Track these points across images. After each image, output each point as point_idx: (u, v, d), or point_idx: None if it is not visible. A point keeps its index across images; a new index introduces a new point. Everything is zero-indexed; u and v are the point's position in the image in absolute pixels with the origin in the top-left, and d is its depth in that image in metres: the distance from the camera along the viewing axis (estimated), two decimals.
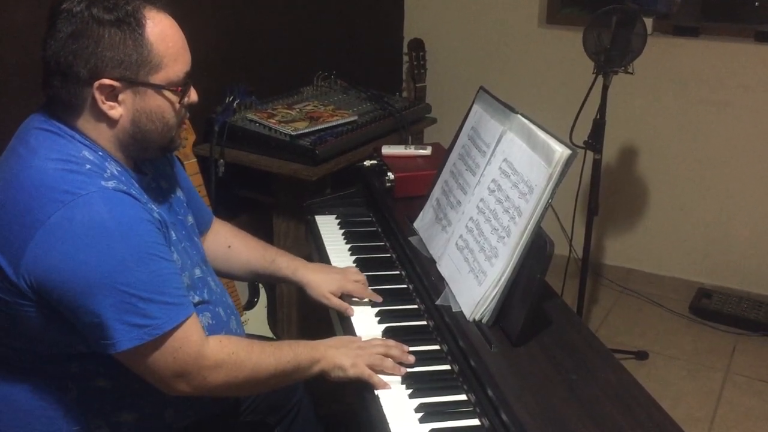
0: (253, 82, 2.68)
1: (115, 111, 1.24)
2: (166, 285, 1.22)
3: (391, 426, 1.28)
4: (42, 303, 1.19)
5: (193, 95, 1.33)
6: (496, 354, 1.34)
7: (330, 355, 1.41)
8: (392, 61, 3.67)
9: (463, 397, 1.35)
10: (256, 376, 1.34)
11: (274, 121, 2.49)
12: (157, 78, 1.25)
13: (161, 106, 1.27)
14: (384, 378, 1.40)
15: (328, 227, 2.05)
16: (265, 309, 2.58)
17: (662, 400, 1.26)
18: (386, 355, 1.42)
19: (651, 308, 3.31)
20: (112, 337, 1.18)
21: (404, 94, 3.64)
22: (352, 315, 1.62)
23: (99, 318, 1.17)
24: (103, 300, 1.16)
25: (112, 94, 1.23)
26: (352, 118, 2.58)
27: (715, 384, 2.79)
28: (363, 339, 1.50)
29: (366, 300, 1.66)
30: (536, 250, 1.35)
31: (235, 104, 2.53)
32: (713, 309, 3.18)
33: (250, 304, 2.54)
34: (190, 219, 1.52)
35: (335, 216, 2.11)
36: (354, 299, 1.67)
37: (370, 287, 1.70)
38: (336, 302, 1.65)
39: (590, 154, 2.61)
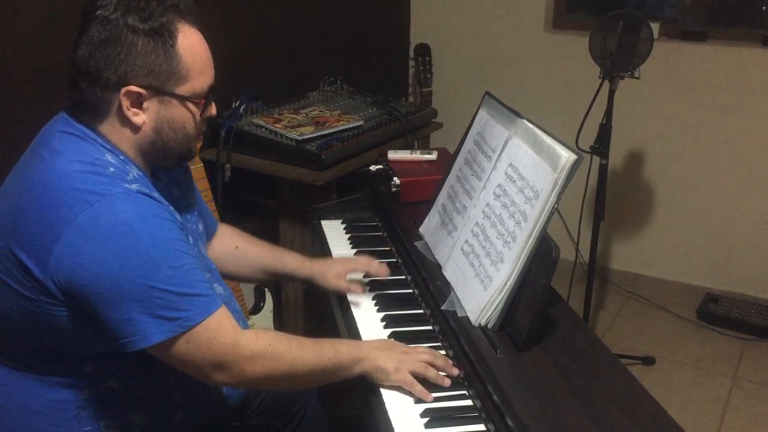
0: (259, 86, 2.68)
1: (139, 118, 1.26)
2: (194, 278, 1.23)
3: (396, 431, 1.28)
4: (68, 302, 1.20)
5: (212, 109, 1.37)
6: (502, 359, 1.34)
7: (373, 356, 1.40)
8: (398, 66, 3.67)
9: (468, 402, 1.35)
10: (294, 370, 1.33)
11: (280, 125, 2.49)
12: (183, 89, 1.27)
13: (183, 116, 1.30)
14: None
15: (334, 232, 2.05)
16: (271, 314, 2.59)
17: (669, 406, 1.26)
18: (431, 365, 1.40)
19: (658, 313, 3.30)
20: (144, 331, 1.18)
21: (410, 98, 3.64)
22: (360, 292, 1.69)
23: (128, 314, 1.17)
24: (131, 296, 1.17)
25: (137, 101, 1.25)
26: (358, 123, 2.58)
27: (723, 390, 2.78)
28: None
29: (373, 303, 1.67)
30: (542, 255, 1.35)
31: (241, 109, 2.54)
32: (720, 314, 3.17)
33: (256, 309, 2.55)
34: (201, 227, 1.55)
35: (341, 221, 2.11)
36: (358, 297, 1.69)
37: (375, 292, 1.71)
38: (344, 285, 1.69)
39: (597, 159, 2.61)
